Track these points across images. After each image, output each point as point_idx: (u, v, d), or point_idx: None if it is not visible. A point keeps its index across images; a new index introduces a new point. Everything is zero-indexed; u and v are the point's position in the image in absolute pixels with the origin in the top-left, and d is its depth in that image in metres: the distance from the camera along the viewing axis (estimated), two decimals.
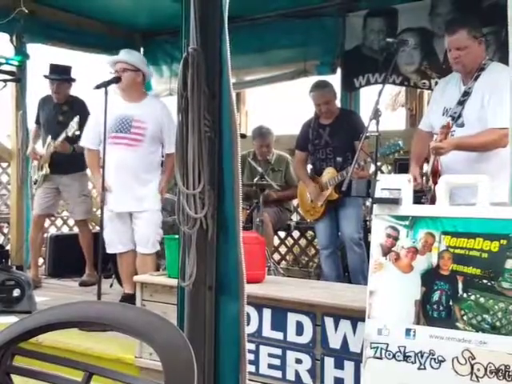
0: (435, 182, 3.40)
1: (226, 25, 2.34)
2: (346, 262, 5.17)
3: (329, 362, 3.07)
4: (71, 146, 5.52)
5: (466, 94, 3.53)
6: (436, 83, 5.63)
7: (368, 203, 5.18)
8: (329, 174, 5.11)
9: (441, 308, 2.38)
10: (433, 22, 5.61)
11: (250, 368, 3.14)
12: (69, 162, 5.72)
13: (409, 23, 5.79)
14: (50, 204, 6.01)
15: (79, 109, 5.79)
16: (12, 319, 4.03)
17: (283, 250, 7.34)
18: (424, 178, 3.67)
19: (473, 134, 3.46)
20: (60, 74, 5.90)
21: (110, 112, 4.49)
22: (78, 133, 5.21)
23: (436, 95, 3.93)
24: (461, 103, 3.53)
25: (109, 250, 4.89)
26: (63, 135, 5.47)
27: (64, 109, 5.88)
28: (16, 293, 4.82)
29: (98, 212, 5.55)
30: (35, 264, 6.07)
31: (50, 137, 5.77)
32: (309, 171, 5.48)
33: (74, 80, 6.01)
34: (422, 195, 3.58)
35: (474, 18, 3.90)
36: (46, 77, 5.90)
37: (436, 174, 3.49)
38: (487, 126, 3.40)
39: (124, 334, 1.36)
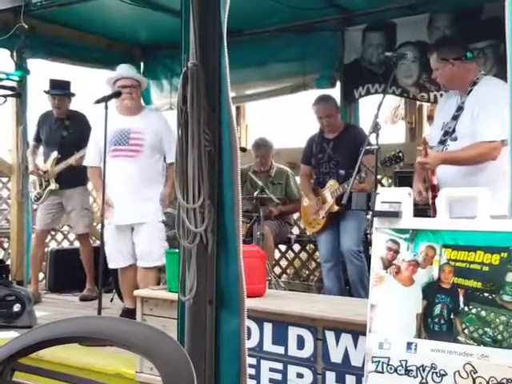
0: (433, 197, 3.41)
1: (225, 39, 2.35)
2: (347, 275, 5.17)
3: (330, 376, 3.05)
4: None
5: (460, 108, 3.55)
6: (435, 96, 5.68)
7: (369, 216, 5.18)
8: (331, 186, 5.13)
9: (442, 321, 2.38)
10: (431, 35, 5.65)
11: (251, 383, 3.12)
12: (72, 175, 5.75)
13: (407, 37, 5.83)
14: (54, 219, 6.04)
15: (81, 123, 5.83)
16: (12, 334, 4.01)
17: (284, 263, 7.33)
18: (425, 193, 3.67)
19: (461, 147, 3.46)
20: (61, 89, 5.94)
21: (108, 127, 4.51)
22: None
23: (438, 110, 3.96)
24: (455, 118, 3.55)
25: (110, 266, 4.88)
26: (83, 151, 5.39)
27: (66, 123, 5.94)
28: (16, 308, 4.80)
29: (99, 226, 5.54)
30: (35, 279, 6.06)
31: (55, 152, 5.81)
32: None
33: (73, 95, 6.05)
34: (428, 208, 3.57)
35: (447, 42, 4.02)
36: (47, 92, 5.93)
37: (433, 188, 3.49)
38: (477, 139, 3.38)
39: (124, 349, 1.36)
